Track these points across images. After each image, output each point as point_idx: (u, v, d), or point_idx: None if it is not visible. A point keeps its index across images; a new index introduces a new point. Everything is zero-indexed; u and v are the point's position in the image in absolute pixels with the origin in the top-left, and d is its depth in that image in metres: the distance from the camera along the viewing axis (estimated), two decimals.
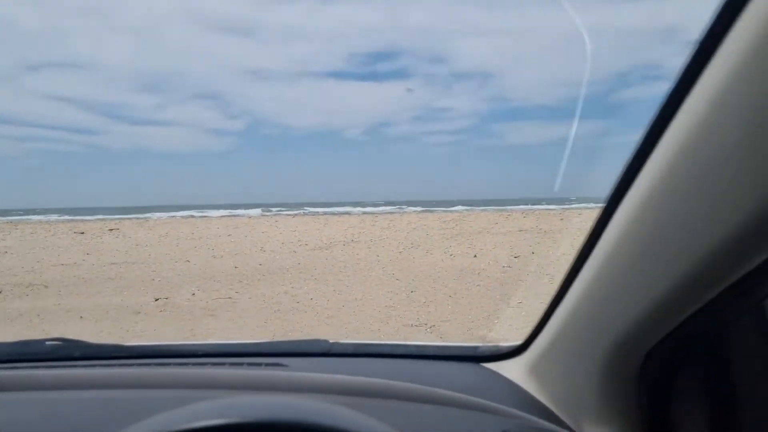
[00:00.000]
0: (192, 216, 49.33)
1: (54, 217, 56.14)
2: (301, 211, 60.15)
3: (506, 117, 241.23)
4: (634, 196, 0.77)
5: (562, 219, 25.31)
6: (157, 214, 56.39)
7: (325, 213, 52.46)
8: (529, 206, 56.52)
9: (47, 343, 1.46)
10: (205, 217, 47.37)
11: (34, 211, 79.02)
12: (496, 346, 1.63)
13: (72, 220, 45.38)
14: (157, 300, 8.71)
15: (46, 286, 10.37)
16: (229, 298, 8.79)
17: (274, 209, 64.95)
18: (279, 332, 6.65)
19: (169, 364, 1.41)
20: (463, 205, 68.08)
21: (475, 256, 13.53)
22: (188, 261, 14.09)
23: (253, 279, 10.69)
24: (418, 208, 58.90)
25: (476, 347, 1.64)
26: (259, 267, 12.49)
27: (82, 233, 26.33)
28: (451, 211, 47.40)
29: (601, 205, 0.89)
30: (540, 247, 14.87)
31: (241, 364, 1.39)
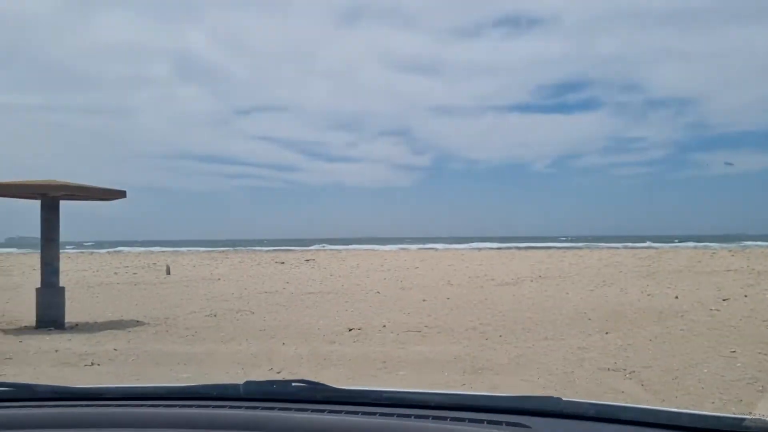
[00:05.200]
0: (375, 248, 51.29)
1: (258, 247, 61.61)
2: (485, 244, 60.10)
3: (708, 146, 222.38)
4: None
5: None
6: (349, 246, 59.50)
7: (508, 247, 51.89)
8: (738, 243, 51.20)
9: (293, 384, 1.54)
10: (397, 249, 48.97)
11: (239, 242, 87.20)
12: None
13: (274, 251, 49.32)
14: (350, 330, 9.13)
15: (252, 312, 11.34)
16: (419, 332, 8.94)
17: (457, 243, 65.47)
18: (470, 369, 6.63)
19: (408, 415, 1.35)
20: (652, 241, 63.50)
21: (676, 297, 12.47)
22: (378, 292, 14.61)
23: (440, 313, 10.80)
24: (605, 244, 56.04)
25: (741, 420, 1.27)
26: (446, 301, 12.60)
27: (282, 263, 28.49)
28: (641, 247, 44.32)
29: None
30: (753, 290, 13.33)
31: (462, 420, 1.31)
